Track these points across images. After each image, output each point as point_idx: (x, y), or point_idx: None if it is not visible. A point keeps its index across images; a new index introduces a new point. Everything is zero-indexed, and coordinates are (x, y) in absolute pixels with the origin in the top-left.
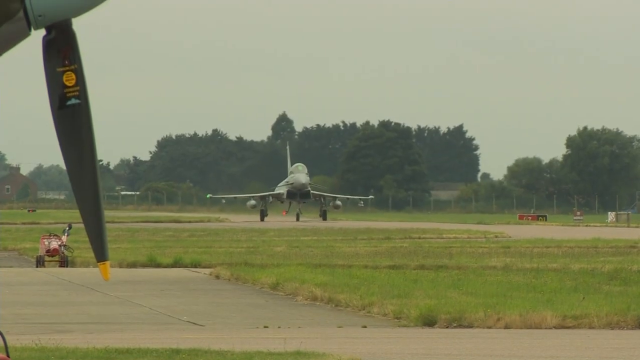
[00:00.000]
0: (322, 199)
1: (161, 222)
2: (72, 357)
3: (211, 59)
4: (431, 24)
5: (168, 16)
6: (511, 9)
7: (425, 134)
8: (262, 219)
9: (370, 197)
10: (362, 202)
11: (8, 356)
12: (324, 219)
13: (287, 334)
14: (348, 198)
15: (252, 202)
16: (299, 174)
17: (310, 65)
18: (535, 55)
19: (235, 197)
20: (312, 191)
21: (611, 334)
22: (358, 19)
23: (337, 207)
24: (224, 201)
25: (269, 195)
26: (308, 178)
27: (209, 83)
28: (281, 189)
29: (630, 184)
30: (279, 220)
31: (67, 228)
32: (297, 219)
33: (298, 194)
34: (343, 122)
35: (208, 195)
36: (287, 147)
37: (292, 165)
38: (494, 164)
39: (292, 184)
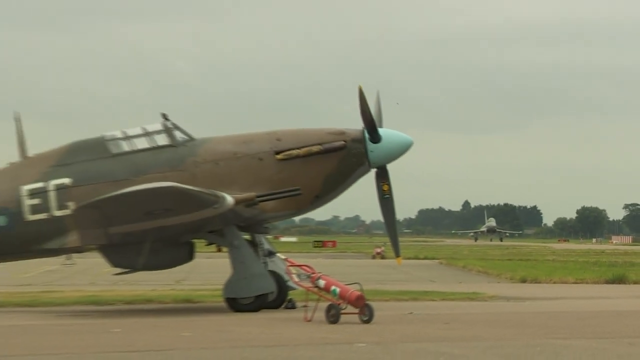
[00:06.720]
0: (500, 233)
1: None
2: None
3: None
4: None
5: None
6: None
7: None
8: (475, 240)
9: (519, 232)
10: (517, 234)
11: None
12: (501, 241)
13: (467, 287)
14: (508, 233)
15: (471, 233)
16: (492, 222)
17: None
18: None
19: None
20: (497, 229)
21: (595, 286)
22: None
23: (505, 236)
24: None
25: (480, 231)
26: (495, 223)
27: None
28: (483, 228)
29: None
30: (477, 244)
31: (382, 245)
32: (491, 240)
33: (492, 230)
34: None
35: None
36: (485, 213)
37: (487, 218)
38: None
39: (489, 225)
